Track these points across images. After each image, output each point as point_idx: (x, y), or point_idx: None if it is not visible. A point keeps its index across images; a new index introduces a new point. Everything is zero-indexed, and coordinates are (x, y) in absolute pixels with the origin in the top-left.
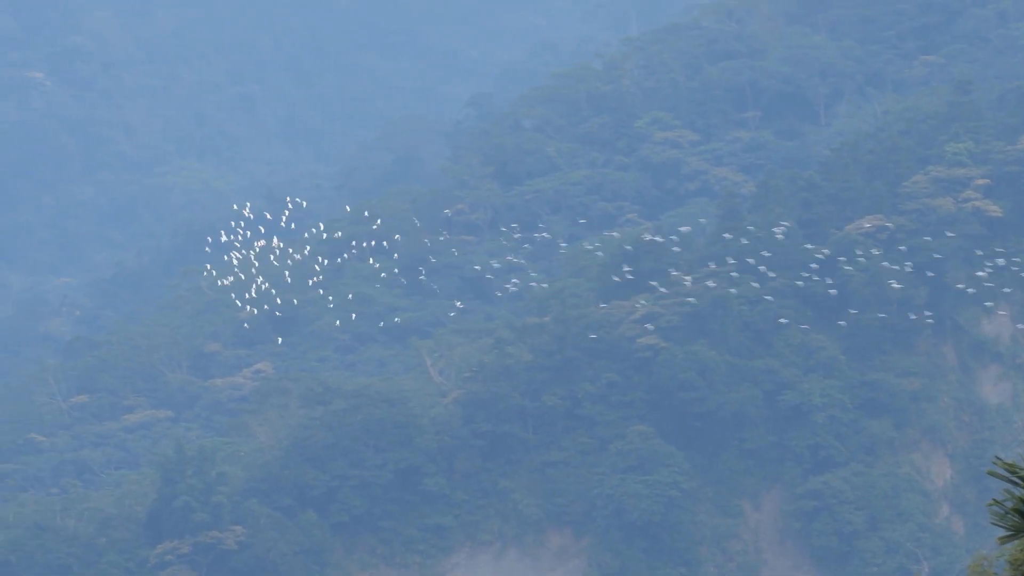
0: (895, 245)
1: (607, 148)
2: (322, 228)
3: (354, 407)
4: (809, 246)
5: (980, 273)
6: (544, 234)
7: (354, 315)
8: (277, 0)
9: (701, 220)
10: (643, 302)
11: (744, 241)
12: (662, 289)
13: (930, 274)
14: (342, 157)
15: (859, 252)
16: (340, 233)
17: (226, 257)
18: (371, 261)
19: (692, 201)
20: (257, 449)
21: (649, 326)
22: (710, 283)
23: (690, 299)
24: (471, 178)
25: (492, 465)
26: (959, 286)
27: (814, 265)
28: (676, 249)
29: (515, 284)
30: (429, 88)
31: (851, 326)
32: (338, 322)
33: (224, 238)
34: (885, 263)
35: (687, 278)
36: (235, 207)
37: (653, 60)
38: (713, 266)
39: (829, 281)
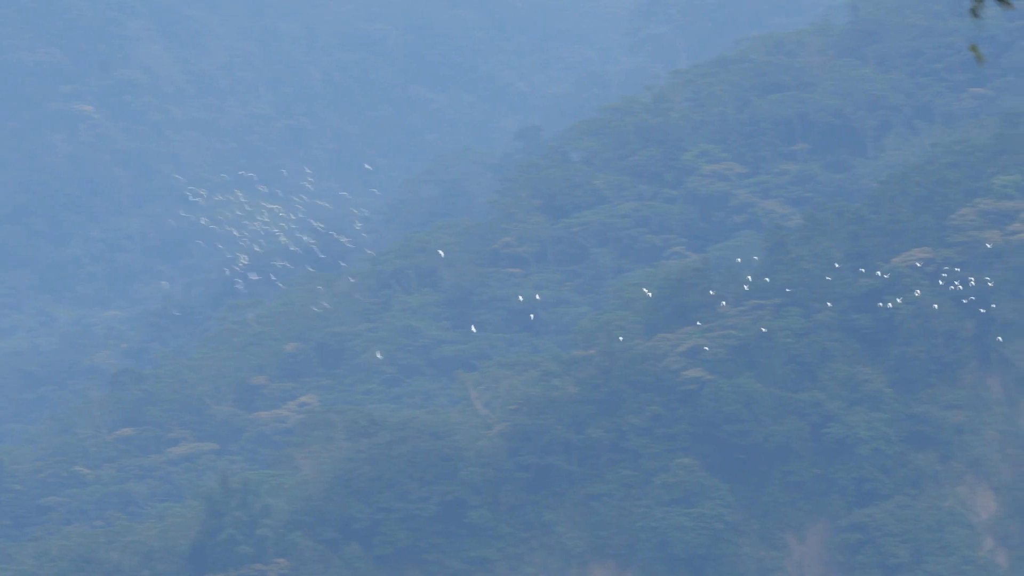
0: (942, 277)
1: (655, 180)
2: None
3: (399, 440)
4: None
5: None
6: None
7: (397, 347)
8: (327, 34)
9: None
10: (689, 335)
11: (791, 273)
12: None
13: (975, 304)
14: (391, 190)
15: (907, 284)
16: (387, 266)
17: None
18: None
19: (739, 234)
20: (301, 482)
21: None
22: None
23: (736, 331)
24: (519, 211)
25: (537, 498)
26: (1005, 319)
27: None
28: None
29: (561, 316)
30: (479, 121)
31: (897, 358)
32: (379, 354)
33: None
34: (931, 296)
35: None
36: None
37: (701, 93)
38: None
39: (884, 305)
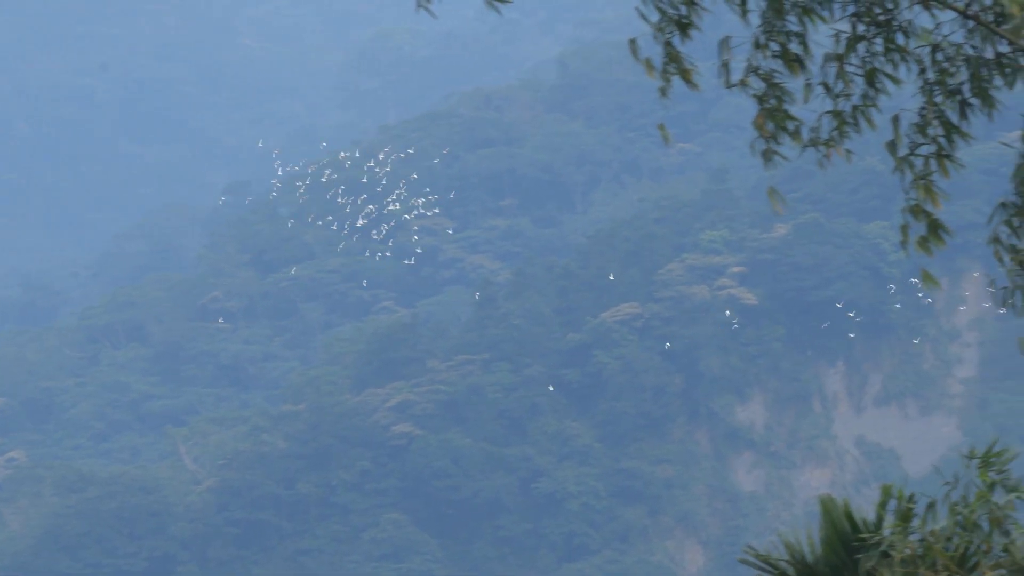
0: (650, 332)
1: (364, 235)
2: (77, 316)
3: (108, 495)
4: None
5: (734, 361)
6: (300, 322)
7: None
8: (36, 87)
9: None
10: (397, 390)
11: (500, 328)
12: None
13: (683, 359)
14: (101, 245)
15: (616, 339)
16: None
17: None
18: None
19: (448, 289)
20: (9, 537)
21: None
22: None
23: (444, 387)
24: (227, 266)
25: (246, 553)
26: (713, 373)
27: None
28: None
29: (270, 371)
30: (189, 175)
31: (606, 413)
32: (89, 410)
33: None
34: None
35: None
36: None
37: (410, 147)
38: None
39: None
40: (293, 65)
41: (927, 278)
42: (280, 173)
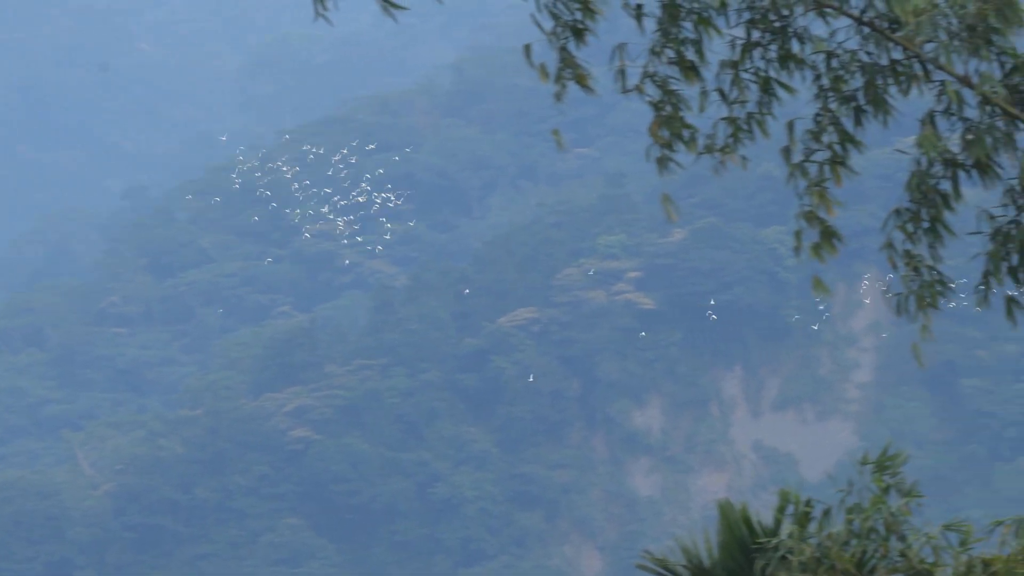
0: (547, 337)
1: (261, 240)
2: None
3: (4, 500)
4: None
5: (631, 365)
6: (197, 326)
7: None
8: None
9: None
10: (295, 395)
11: (398, 333)
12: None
13: (580, 364)
14: None
15: (513, 344)
16: None
17: None
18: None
19: (346, 294)
20: None
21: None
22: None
23: (342, 391)
24: (124, 270)
25: (144, 558)
26: (610, 378)
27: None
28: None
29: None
30: (86, 180)
31: (503, 418)
32: None
33: None
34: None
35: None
36: None
37: (308, 152)
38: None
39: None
40: (191, 70)
41: (818, 285)
42: (238, 171)
